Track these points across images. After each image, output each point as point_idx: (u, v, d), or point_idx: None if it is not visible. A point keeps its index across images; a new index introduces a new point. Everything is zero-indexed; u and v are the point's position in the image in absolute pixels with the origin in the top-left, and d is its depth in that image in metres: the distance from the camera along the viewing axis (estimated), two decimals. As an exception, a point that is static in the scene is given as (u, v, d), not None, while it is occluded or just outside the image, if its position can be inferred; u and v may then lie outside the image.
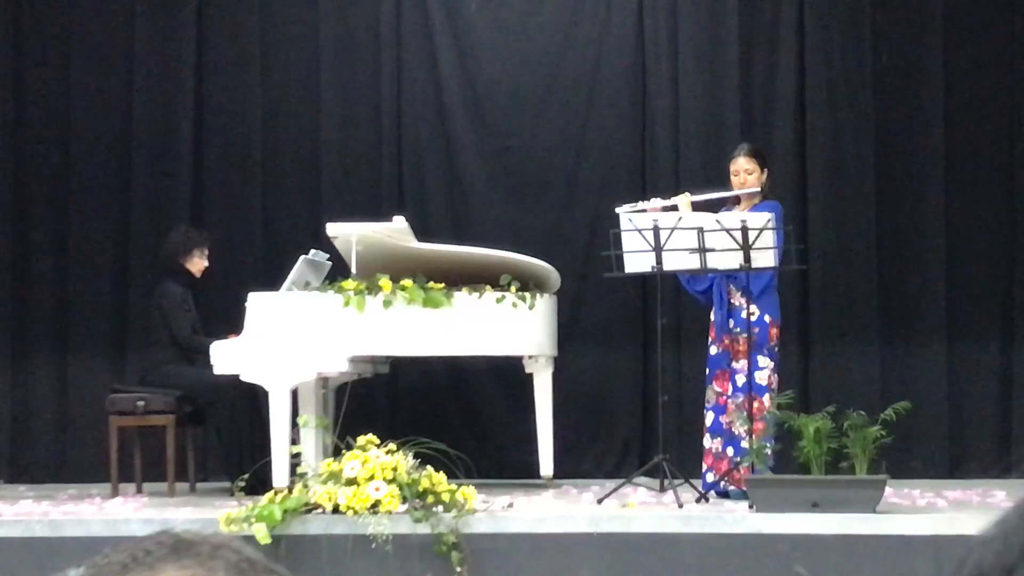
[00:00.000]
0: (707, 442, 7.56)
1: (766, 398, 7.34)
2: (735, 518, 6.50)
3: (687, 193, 7.62)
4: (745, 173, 7.58)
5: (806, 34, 9.13)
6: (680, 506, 6.75)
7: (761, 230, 7.09)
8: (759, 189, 7.56)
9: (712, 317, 7.63)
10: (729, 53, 9.14)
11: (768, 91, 9.18)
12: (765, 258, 7.19)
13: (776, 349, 7.52)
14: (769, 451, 7.19)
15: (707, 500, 7.06)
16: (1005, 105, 9.05)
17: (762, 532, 6.30)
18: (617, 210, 7.53)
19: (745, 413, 7.27)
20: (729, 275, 7.42)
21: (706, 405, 7.59)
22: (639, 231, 7.20)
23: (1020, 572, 0.87)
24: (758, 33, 9.20)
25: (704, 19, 9.20)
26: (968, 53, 9.07)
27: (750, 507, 6.64)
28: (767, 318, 7.46)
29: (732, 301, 7.51)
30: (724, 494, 7.35)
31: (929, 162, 9.04)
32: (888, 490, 6.69)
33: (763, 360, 7.39)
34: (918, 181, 9.06)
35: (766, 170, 7.63)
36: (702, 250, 7.12)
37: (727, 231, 7.11)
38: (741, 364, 7.41)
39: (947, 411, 8.87)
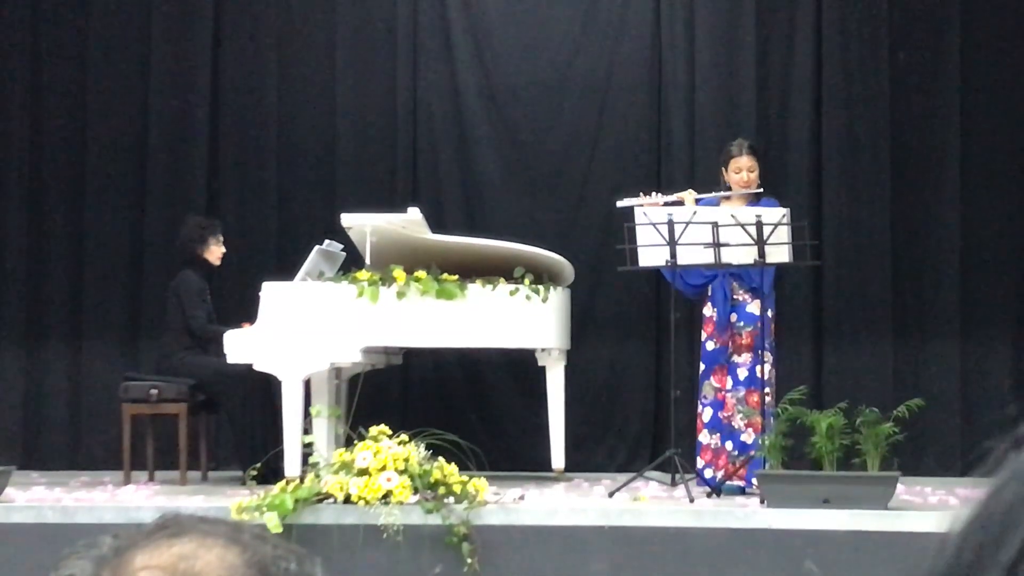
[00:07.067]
0: (704, 438, 7.51)
1: (767, 392, 7.35)
2: (746, 513, 6.49)
3: (691, 191, 7.58)
4: (748, 172, 7.56)
5: (823, 31, 9.11)
6: (691, 500, 6.74)
7: (776, 225, 7.09)
8: (763, 189, 7.57)
9: (707, 313, 7.59)
10: (746, 49, 9.12)
11: (784, 87, 9.16)
12: (779, 253, 7.18)
13: (774, 343, 7.52)
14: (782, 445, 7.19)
15: (718, 495, 7.05)
16: (1022, 103, 9.02)
17: (773, 527, 6.30)
18: (618, 204, 7.54)
19: (747, 407, 7.30)
20: (733, 272, 7.40)
21: (702, 401, 7.55)
22: (654, 225, 7.18)
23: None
24: (775, 29, 9.18)
25: (721, 15, 9.18)
26: (985, 51, 9.04)
27: (761, 502, 6.63)
28: (770, 313, 7.46)
29: (735, 297, 7.48)
30: (717, 490, 7.29)
31: (944, 160, 9.01)
32: (900, 487, 6.68)
33: (767, 355, 7.39)
34: (933, 179, 9.04)
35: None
36: (716, 245, 7.10)
37: (742, 226, 7.10)
38: (744, 358, 7.40)
39: (960, 408, 8.85)
